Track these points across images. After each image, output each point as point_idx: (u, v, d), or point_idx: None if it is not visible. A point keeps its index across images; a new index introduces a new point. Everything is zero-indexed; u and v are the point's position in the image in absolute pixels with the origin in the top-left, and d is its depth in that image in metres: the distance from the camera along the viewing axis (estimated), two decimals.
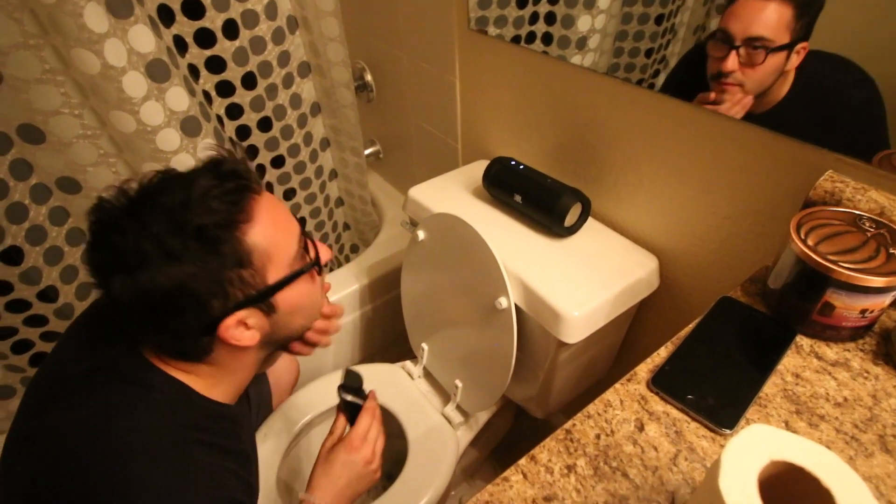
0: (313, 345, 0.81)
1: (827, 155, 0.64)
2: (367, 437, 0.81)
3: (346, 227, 1.58)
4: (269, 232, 0.59)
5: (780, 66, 0.64)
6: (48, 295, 1.06)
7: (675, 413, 0.55)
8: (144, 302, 0.55)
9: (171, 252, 0.53)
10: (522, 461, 0.52)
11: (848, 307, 0.55)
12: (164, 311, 0.56)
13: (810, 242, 0.57)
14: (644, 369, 0.59)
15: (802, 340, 0.60)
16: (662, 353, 0.60)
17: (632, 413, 0.55)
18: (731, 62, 0.64)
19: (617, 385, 0.58)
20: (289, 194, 1.35)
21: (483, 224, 0.92)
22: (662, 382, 0.57)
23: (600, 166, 0.95)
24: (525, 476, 0.51)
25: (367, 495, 1.16)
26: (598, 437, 0.53)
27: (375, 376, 1.17)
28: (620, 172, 0.92)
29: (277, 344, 0.70)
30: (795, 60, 0.64)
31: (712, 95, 0.71)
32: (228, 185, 0.57)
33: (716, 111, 0.73)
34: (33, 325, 1.08)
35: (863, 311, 0.55)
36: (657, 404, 0.55)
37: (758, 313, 0.63)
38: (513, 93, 1.06)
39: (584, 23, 0.89)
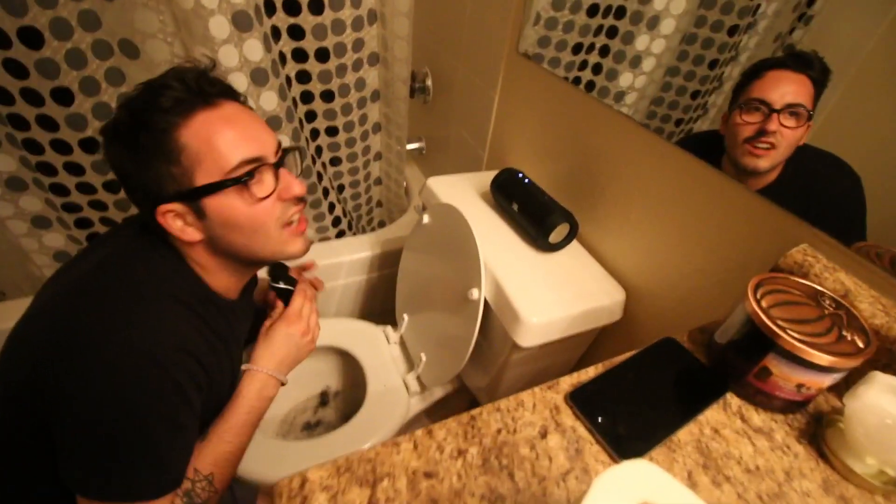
0: None
1: (805, 228, 0.54)
2: (302, 312, 0.77)
3: (380, 204, 1.52)
4: (206, 137, 0.55)
5: (801, 137, 0.55)
6: (112, 187, 1.04)
7: (582, 431, 0.45)
8: (112, 168, 0.59)
9: (118, 133, 0.56)
10: (419, 432, 0.43)
11: (785, 377, 0.45)
12: (123, 182, 0.59)
13: (764, 304, 0.46)
14: (567, 381, 0.50)
15: (732, 399, 0.49)
16: (590, 372, 0.51)
17: (540, 419, 0.46)
18: (774, 123, 0.56)
19: (535, 389, 0.49)
20: (335, 162, 1.29)
21: (479, 222, 0.84)
22: (579, 398, 0.47)
23: (598, 197, 0.85)
24: (415, 446, 0.42)
25: (323, 429, 1.10)
26: (499, 431, 0.44)
27: (359, 330, 1.11)
28: (613, 205, 0.82)
29: (231, 255, 0.63)
30: (805, 136, 0.55)
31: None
32: (179, 88, 0.55)
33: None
34: (95, 209, 1.06)
35: (799, 386, 0.45)
36: (567, 418, 0.46)
37: (696, 361, 0.53)
38: (539, 116, 0.98)
39: (625, 79, 0.79)
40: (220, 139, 0.55)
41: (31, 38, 0.81)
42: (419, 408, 1.00)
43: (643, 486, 0.30)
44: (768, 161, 0.58)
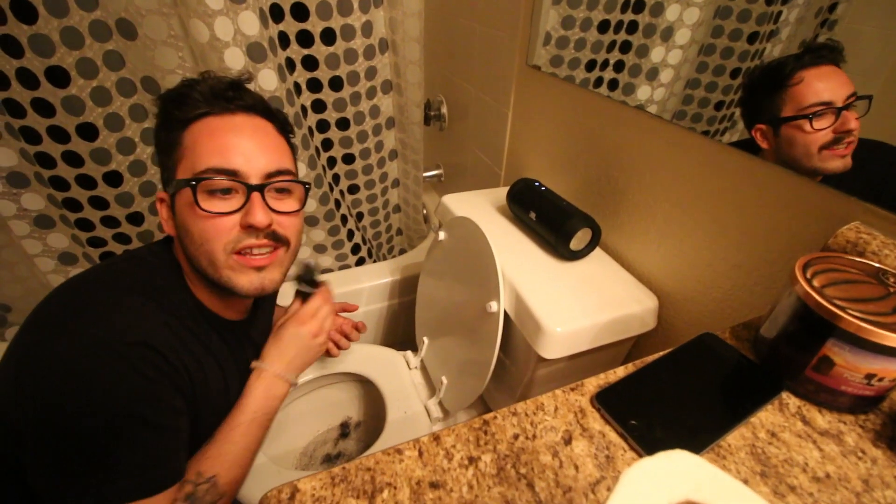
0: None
1: (855, 204, 0.48)
2: (317, 314, 0.74)
3: (399, 231, 1.51)
4: (196, 138, 0.57)
5: None
6: (136, 218, 1.05)
7: (612, 436, 0.39)
8: None
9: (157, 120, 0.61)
10: (424, 438, 0.39)
11: (851, 367, 0.38)
12: None
13: (816, 284, 0.40)
14: (593, 383, 0.44)
15: (789, 399, 0.43)
16: (619, 372, 0.45)
17: (563, 423, 0.40)
18: (852, 121, 0.51)
19: (557, 391, 0.43)
20: (353, 189, 1.29)
21: (496, 234, 0.80)
22: (608, 400, 0.42)
23: (619, 200, 0.81)
24: (420, 454, 0.37)
25: (344, 461, 1.04)
26: (516, 437, 0.39)
27: (378, 356, 1.06)
28: (635, 207, 0.77)
29: (197, 269, 0.59)
30: None
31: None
32: (201, 91, 0.57)
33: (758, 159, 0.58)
34: (119, 241, 1.08)
35: (869, 377, 0.38)
36: (595, 422, 0.41)
37: (743, 358, 0.46)
38: (554, 125, 0.95)
39: (643, 92, 0.77)
40: (205, 142, 0.56)
41: (59, 77, 0.85)
42: None
43: (684, 482, 0.24)
44: (850, 158, 0.52)
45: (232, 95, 0.59)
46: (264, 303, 0.77)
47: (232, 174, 0.56)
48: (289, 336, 0.70)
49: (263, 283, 0.60)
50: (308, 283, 0.78)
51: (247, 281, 0.59)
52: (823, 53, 0.52)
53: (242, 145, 0.57)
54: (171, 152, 0.58)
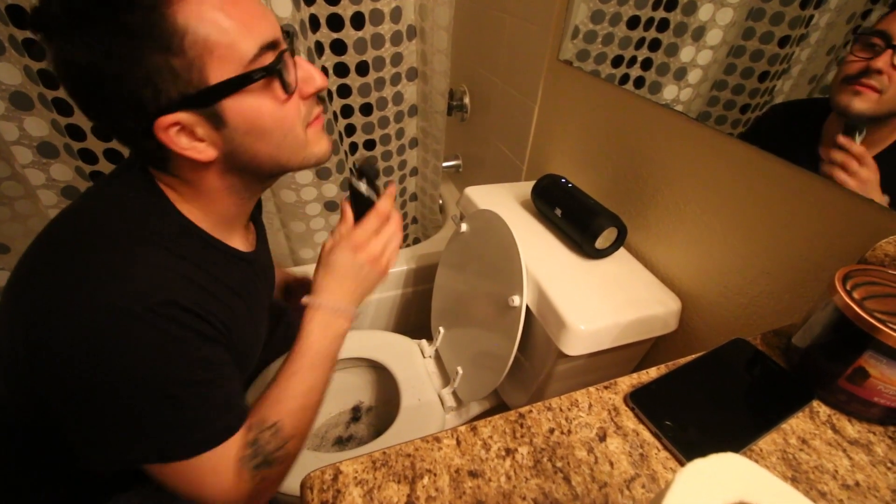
0: None
1: None
2: (380, 234, 0.60)
3: (415, 220, 1.51)
4: (213, 17, 0.40)
5: None
6: None
7: (646, 435, 0.40)
8: (70, 78, 0.42)
9: (84, 16, 0.38)
10: (462, 428, 0.40)
11: (886, 379, 0.39)
12: (90, 94, 0.43)
13: (856, 296, 0.41)
14: (626, 382, 0.45)
15: (820, 407, 0.43)
16: (652, 373, 0.46)
17: (597, 420, 0.41)
18: (884, 60, 0.47)
19: (591, 388, 0.44)
20: None
21: (520, 229, 0.81)
22: (642, 400, 0.42)
23: (647, 201, 0.81)
24: (459, 443, 0.38)
25: (355, 444, 1.06)
26: (551, 431, 0.40)
27: (393, 343, 1.08)
28: (664, 210, 0.77)
29: (245, 170, 0.51)
30: None
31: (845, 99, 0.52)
32: None
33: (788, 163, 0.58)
34: None
35: None
36: (629, 420, 0.41)
37: (774, 365, 0.47)
38: (582, 122, 0.95)
39: (670, 92, 0.76)
40: (229, 18, 0.42)
41: None
42: (455, 424, 0.94)
43: (738, 483, 0.25)
44: (866, 104, 0.48)
45: None
46: (260, 236, 0.69)
47: (278, 44, 0.45)
48: (346, 266, 0.59)
49: (330, 139, 0.55)
50: (369, 181, 0.60)
51: (325, 142, 0.54)
52: None
53: (248, 14, 0.43)
54: (176, 47, 0.40)
